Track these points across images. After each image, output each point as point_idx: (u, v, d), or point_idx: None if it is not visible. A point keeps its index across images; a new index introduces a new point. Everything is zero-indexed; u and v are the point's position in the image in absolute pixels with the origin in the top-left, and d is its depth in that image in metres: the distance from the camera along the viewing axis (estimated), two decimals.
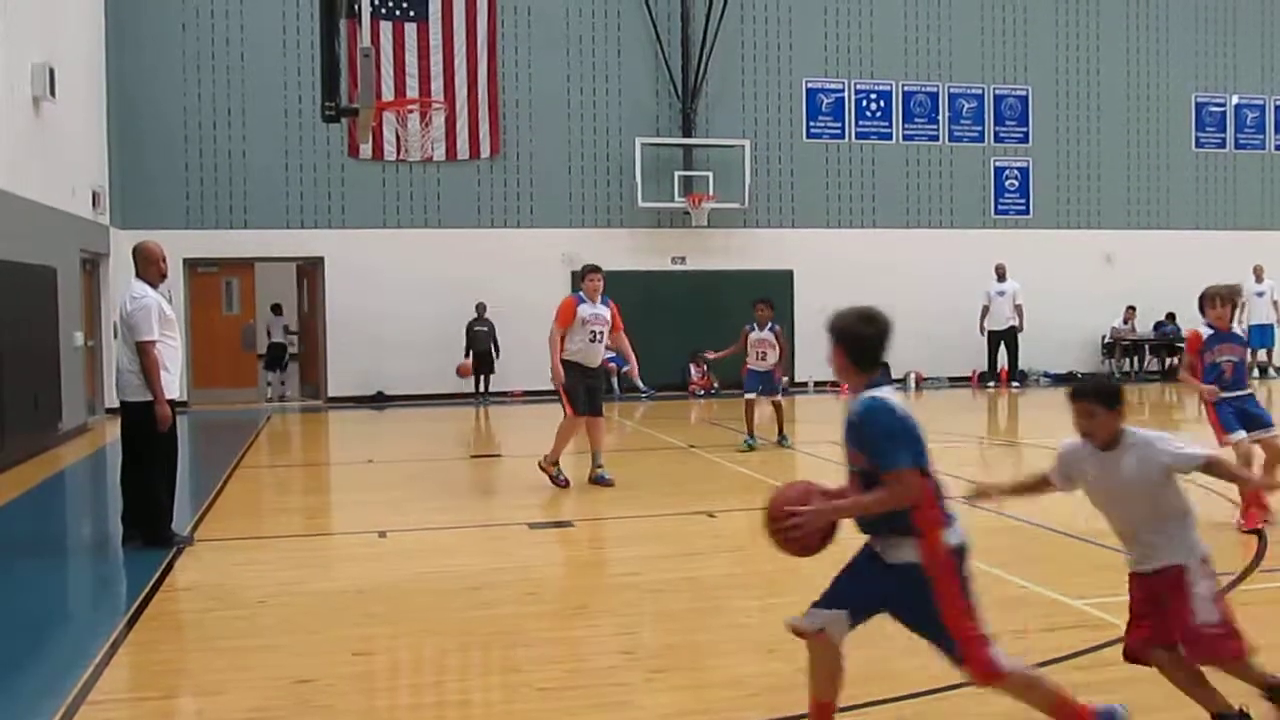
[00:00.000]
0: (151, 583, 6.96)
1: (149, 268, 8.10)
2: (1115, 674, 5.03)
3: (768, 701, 4.77)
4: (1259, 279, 22.41)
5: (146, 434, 7.94)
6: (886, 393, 3.95)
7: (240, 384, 19.91)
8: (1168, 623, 4.28)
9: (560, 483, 10.09)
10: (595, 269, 10.55)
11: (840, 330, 4.05)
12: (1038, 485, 4.61)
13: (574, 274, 20.31)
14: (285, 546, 8.25)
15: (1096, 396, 4.26)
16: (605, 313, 10.33)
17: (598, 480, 10.18)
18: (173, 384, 8.02)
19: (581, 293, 10.46)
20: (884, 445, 3.85)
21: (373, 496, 10.40)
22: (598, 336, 10.24)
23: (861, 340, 4.00)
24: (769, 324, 13.03)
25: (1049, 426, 15.82)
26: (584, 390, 10.15)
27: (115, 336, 8.25)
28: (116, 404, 8.31)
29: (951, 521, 3.98)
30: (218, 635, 5.92)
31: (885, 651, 5.44)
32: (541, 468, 10.22)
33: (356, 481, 11.86)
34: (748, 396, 13.16)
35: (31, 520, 9.97)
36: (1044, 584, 6.51)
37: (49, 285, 14.08)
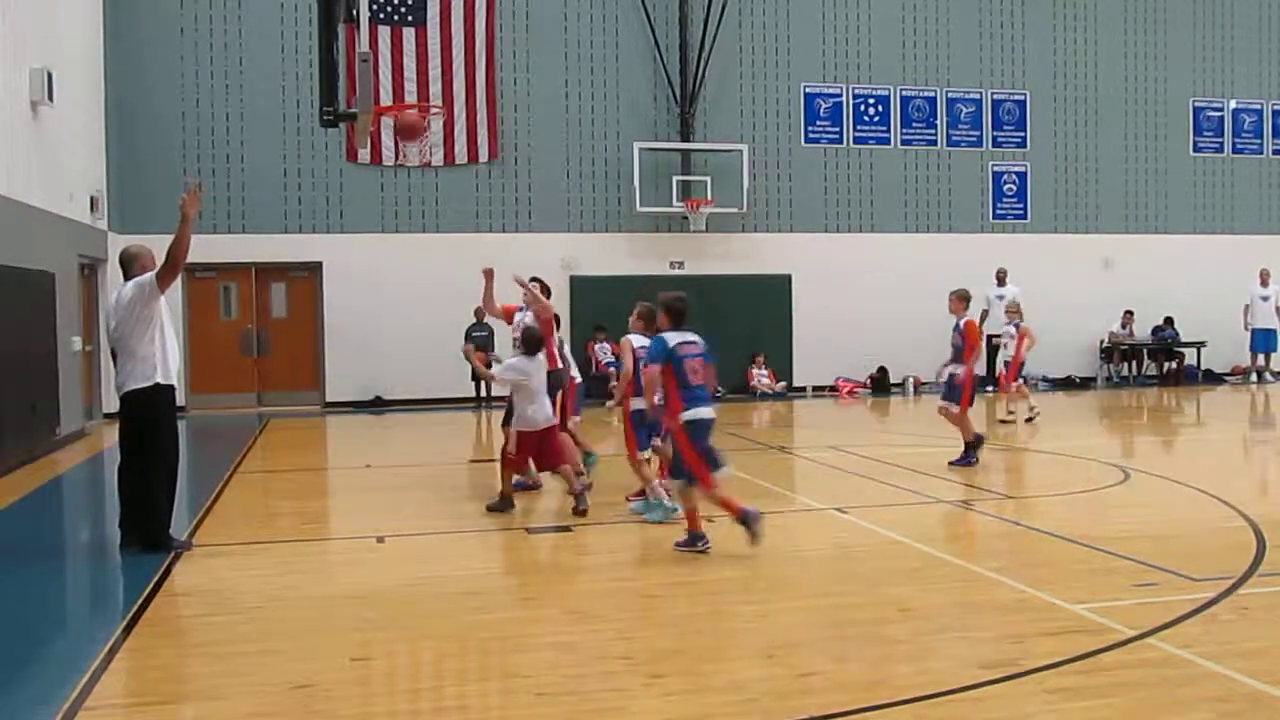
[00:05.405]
0: (149, 588, 6.95)
1: (145, 266, 8.11)
2: (1113, 679, 5.04)
3: (766, 706, 4.77)
4: (1264, 283, 22.45)
5: (148, 425, 7.95)
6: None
7: (238, 389, 19.89)
8: None
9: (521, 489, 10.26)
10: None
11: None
12: None
13: (573, 279, 20.37)
14: (283, 551, 8.24)
15: None
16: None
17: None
18: (170, 372, 8.04)
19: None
20: None
21: (371, 501, 10.39)
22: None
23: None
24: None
25: (1047, 430, 15.82)
26: None
27: (110, 324, 8.20)
28: (115, 408, 8.29)
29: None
30: (216, 640, 5.92)
31: (885, 655, 5.44)
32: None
33: (354, 486, 11.84)
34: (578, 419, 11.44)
35: (29, 525, 9.95)
36: (1042, 588, 6.50)
37: (47, 290, 14.07)
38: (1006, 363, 16.44)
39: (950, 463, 11.40)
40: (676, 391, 7.61)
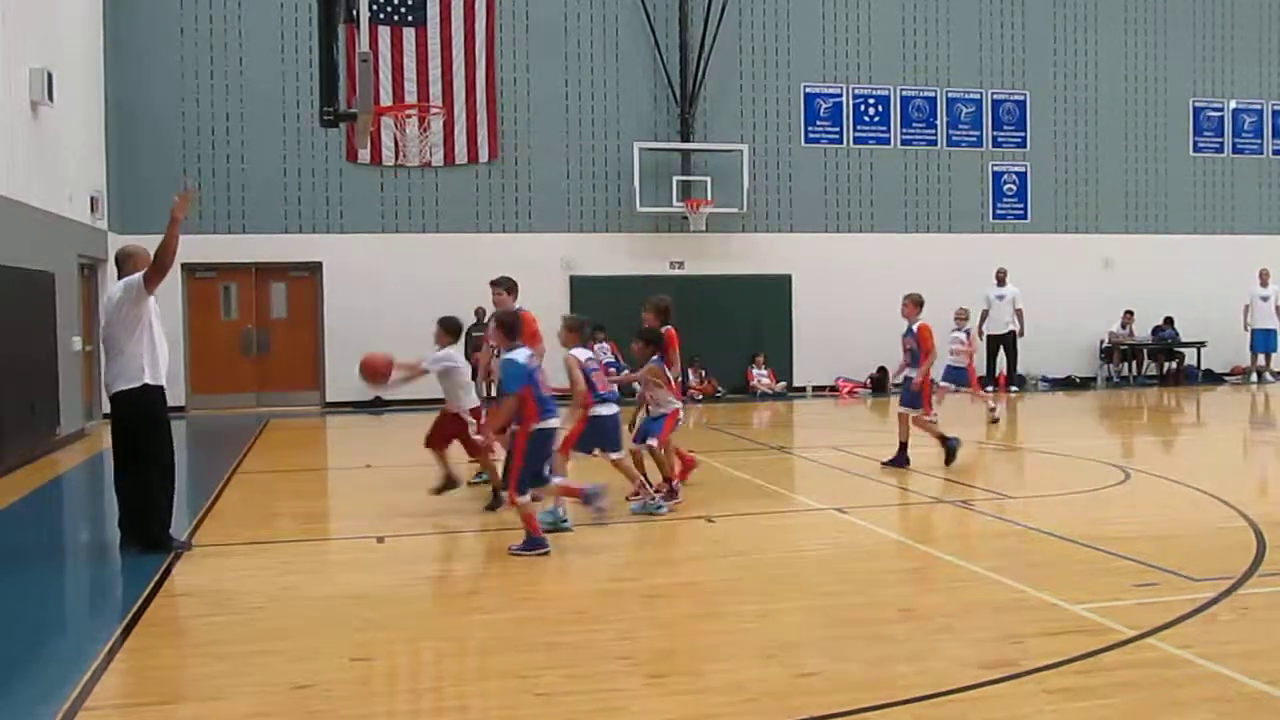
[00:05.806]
0: (149, 588, 6.95)
1: (137, 267, 8.11)
2: (1113, 679, 5.04)
3: (766, 706, 4.77)
4: (1264, 283, 22.45)
5: (139, 426, 7.95)
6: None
7: (238, 389, 19.89)
8: None
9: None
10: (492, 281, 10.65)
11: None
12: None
13: (573, 279, 20.38)
14: (283, 552, 8.24)
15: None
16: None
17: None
18: (160, 373, 8.03)
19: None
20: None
21: (371, 501, 10.39)
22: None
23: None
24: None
25: (1047, 431, 15.84)
26: None
27: (103, 320, 8.22)
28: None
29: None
30: (215, 641, 5.91)
31: (885, 655, 5.44)
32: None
33: (354, 486, 11.86)
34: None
35: (29, 525, 9.95)
36: (1042, 588, 6.50)
37: (47, 290, 14.07)
38: (957, 369, 15.32)
39: (948, 464, 11.39)
40: (534, 404, 7.74)
